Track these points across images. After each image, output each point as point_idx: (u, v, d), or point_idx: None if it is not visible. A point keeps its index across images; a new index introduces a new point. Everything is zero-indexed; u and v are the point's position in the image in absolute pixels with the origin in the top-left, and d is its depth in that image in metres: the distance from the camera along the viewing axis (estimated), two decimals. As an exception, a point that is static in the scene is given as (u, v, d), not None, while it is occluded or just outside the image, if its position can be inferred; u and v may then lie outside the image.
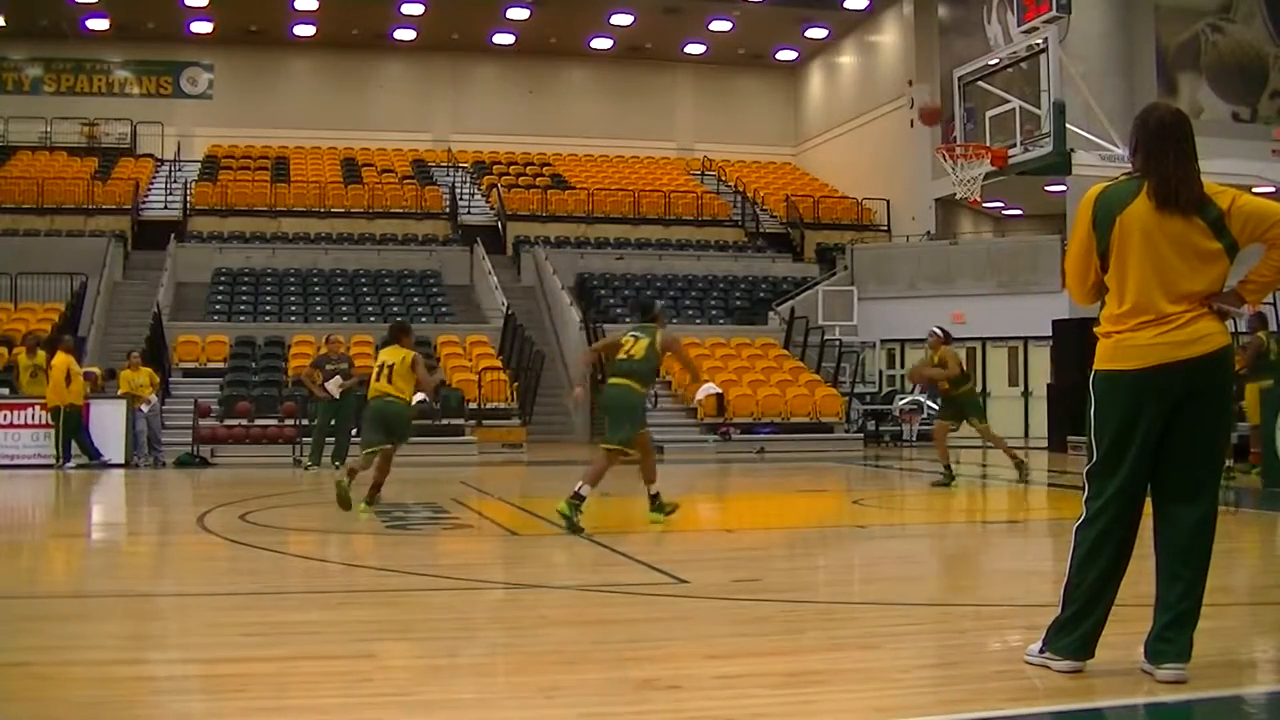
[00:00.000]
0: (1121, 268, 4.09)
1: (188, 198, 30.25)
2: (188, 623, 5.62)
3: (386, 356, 10.27)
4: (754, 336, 25.16)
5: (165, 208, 30.33)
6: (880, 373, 25.95)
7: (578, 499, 8.55)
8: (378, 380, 10.24)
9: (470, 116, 36.39)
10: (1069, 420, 20.12)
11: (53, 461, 16.22)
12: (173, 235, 27.56)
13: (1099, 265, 4.16)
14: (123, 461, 16.49)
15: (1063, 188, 22.55)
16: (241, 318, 24.74)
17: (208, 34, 34.15)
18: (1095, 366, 4.20)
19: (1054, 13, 13.85)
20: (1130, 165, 4.27)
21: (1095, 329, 4.23)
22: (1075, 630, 4.13)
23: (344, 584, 6.98)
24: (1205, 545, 4.08)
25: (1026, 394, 23.95)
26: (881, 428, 23.83)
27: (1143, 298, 4.05)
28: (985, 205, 30.36)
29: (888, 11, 32.82)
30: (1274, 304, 19.69)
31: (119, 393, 16.94)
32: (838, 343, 24.36)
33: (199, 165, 32.86)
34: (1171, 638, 4.00)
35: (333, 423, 16.22)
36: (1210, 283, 4.07)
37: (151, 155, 33.36)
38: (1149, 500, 4.20)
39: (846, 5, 33.23)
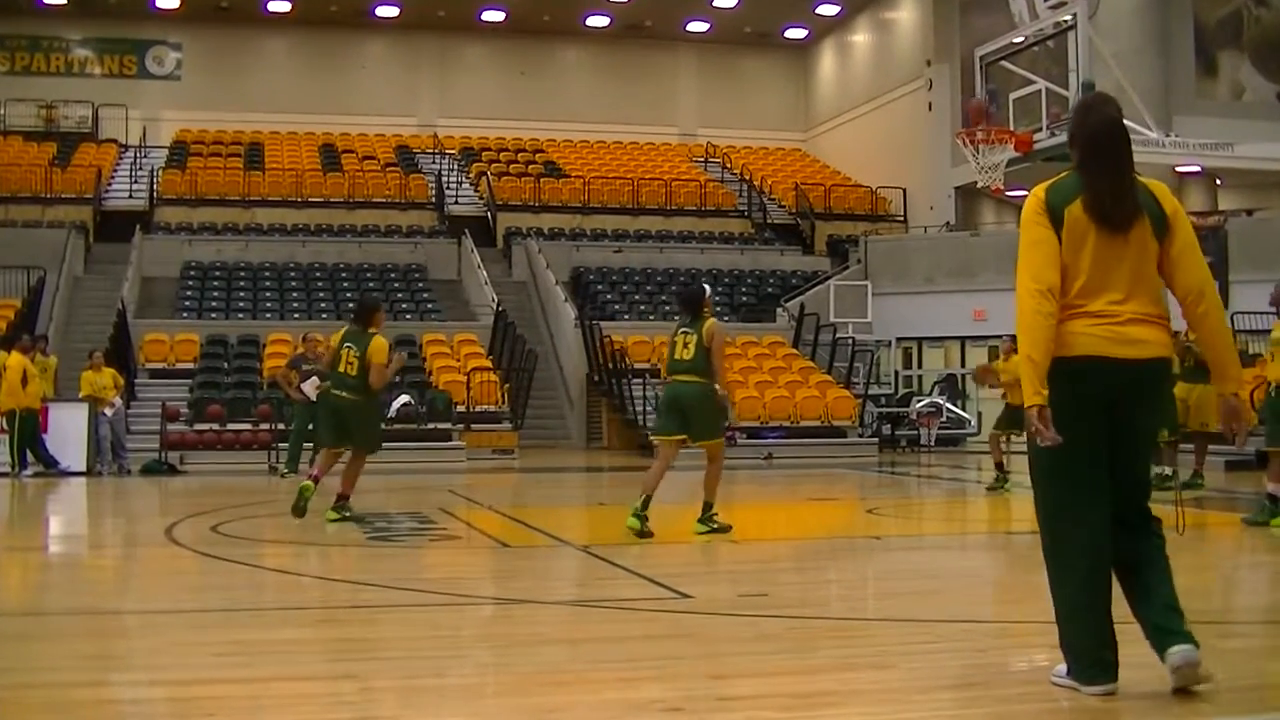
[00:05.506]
0: (1071, 260, 4.17)
1: (154, 186, 30.26)
2: (155, 642, 5.62)
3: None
4: (761, 334, 25.17)
5: (130, 197, 30.35)
6: (896, 373, 25.98)
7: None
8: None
9: (458, 100, 36.41)
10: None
11: (8, 469, 16.21)
12: (138, 226, 27.58)
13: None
14: (84, 469, 16.47)
15: (1092, 175, 22.59)
16: (213, 315, 24.75)
17: (175, 10, 34.14)
18: None
19: (1083, -13, 13.89)
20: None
21: None
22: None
23: (322, 600, 6.99)
24: (1159, 552, 4.17)
25: (1053, 394, 23.97)
26: (897, 432, 23.84)
27: (1088, 287, 4.14)
28: (1008, 194, 30.34)
29: (904, -14, 32.88)
30: None
31: (80, 395, 16.92)
32: (850, 341, 24.36)
33: (166, 151, 32.90)
34: (1170, 626, 4.05)
35: (310, 427, 16.21)
36: (1153, 275, 4.17)
37: (115, 140, 33.38)
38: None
39: (860, -21, 33.30)
